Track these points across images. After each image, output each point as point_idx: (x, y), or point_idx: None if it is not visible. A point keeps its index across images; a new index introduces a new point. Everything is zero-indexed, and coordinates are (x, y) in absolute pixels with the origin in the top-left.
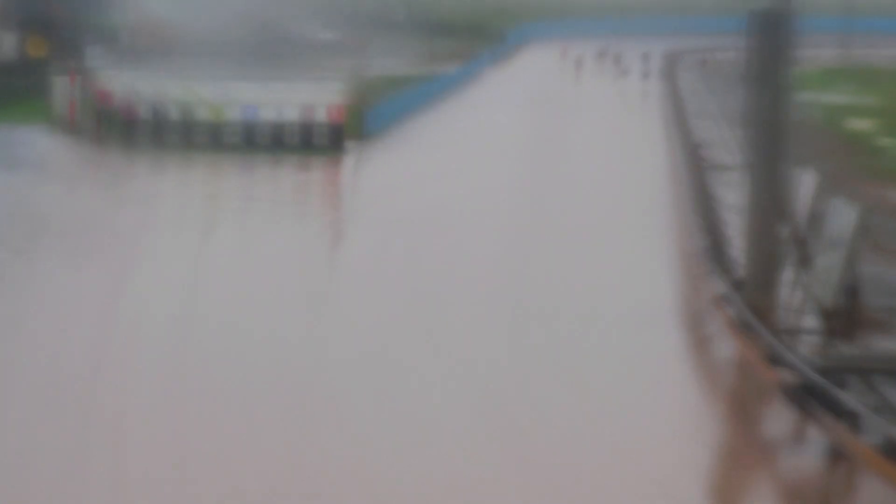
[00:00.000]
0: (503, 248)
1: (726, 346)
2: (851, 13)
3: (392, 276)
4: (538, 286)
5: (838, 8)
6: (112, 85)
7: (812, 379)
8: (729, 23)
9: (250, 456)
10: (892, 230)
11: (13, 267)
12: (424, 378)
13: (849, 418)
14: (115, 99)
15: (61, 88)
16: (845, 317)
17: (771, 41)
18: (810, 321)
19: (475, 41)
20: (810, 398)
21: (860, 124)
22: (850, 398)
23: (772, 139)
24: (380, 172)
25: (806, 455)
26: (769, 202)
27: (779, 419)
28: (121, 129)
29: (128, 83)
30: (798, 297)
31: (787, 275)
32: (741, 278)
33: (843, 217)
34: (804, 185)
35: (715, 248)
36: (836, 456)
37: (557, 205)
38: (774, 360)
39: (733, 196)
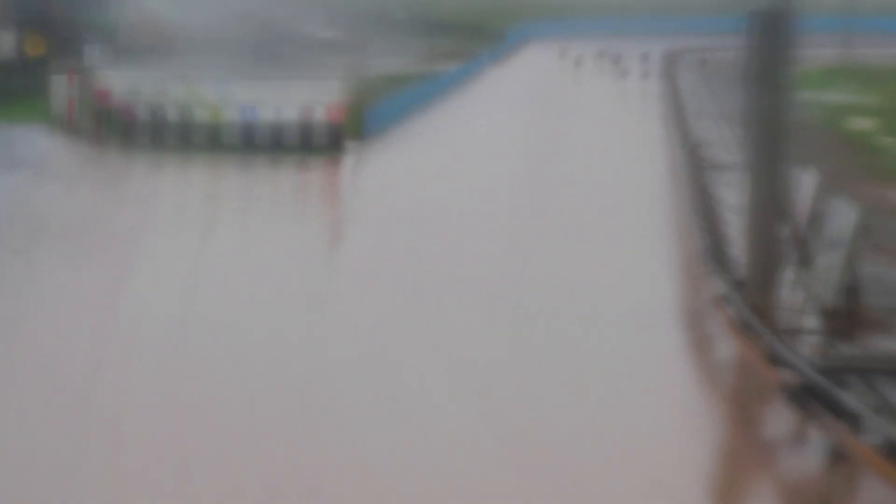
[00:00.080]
0: (503, 248)
1: (726, 346)
2: (852, 12)
3: (391, 277)
4: (538, 286)
5: (838, 7)
6: (110, 84)
7: (812, 379)
8: (728, 22)
9: (250, 456)
10: (892, 230)
11: (10, 267)
12: (423, 378)
13: (849, 418)
14: (113, 98)
15: (59, 88)
16: (846, 317)
17: (771, 40)
18: (811, 321)
19: (475, 40)
20: (811, 398)
21: (861, 124)
22: (850, 398)
23: (772, 139)
24: (379, 172)
25: (806, 455)
26: (769, 202)
27: (779, 419)
28: (119, 129)
29: (126, 82)
30: (798, 297)
31: (788, 275)
32: (741, 278)
33: (843, 217)
34: (805, 184)
35: (715, 247)
36: (837, 456)
37: (557, 204)
38: (775, 360)
39: (733, 196)
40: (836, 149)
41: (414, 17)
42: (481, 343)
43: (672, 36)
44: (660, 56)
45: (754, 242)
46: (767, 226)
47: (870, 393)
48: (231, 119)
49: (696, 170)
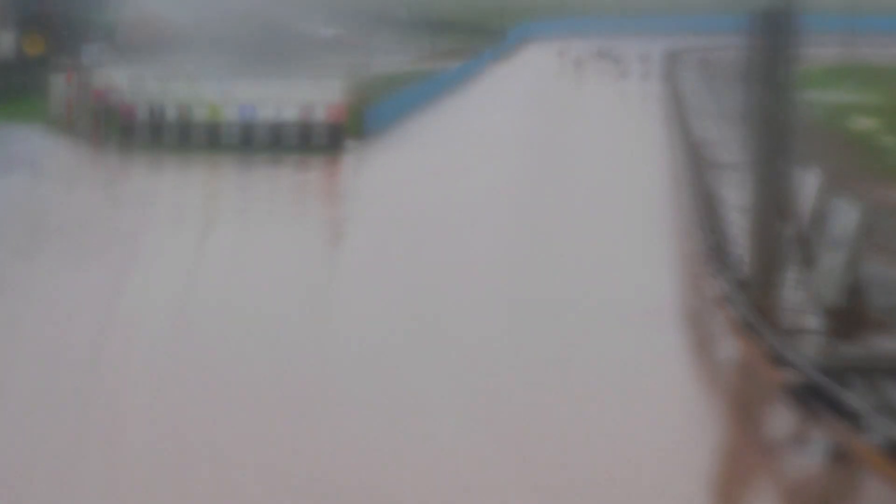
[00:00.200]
0: (504, 248)
1: (729, 346)
2: (854, 12)
3: (390, 277)
4: (539, 285)
5: (841, 7)
6: (109, 83)
7: (815, 379)
8: (730, 22)
9: (252, 457)
10: (895, 230)
11: (8, 266)
12: (424, 378)
13: (852, 418)
14: (112, 97)
15: (58, 87)
16: (848, 316)
17: (773, 40)
18: (813, 321)
19: (476, 39)
20: (813, 398)
21: (863, 123)
22: (853, 398)
23: (774, 138)
24: (379, 172)
25: (808, 455)
26: (772, 202)
27: (781, 419)
28: (118, 128)
29: (125, 81)
30: (801, 297)
31: (790, 274)
32: (744, 278)
33: (846, 217)
34: (807, 184)
35: (717, 247)
36: (839, 456)
37: (558, 204)
38: (777, 359)
39: (736, 195)
40: (838, 148)
41: (415, 16)
42: (482, 341)
43: (673, 35)
44: (660, 56)
45: (757, 242)
46: (770, 225)
47: (872, 393)
48: (231, 118)
49: (698, 169)
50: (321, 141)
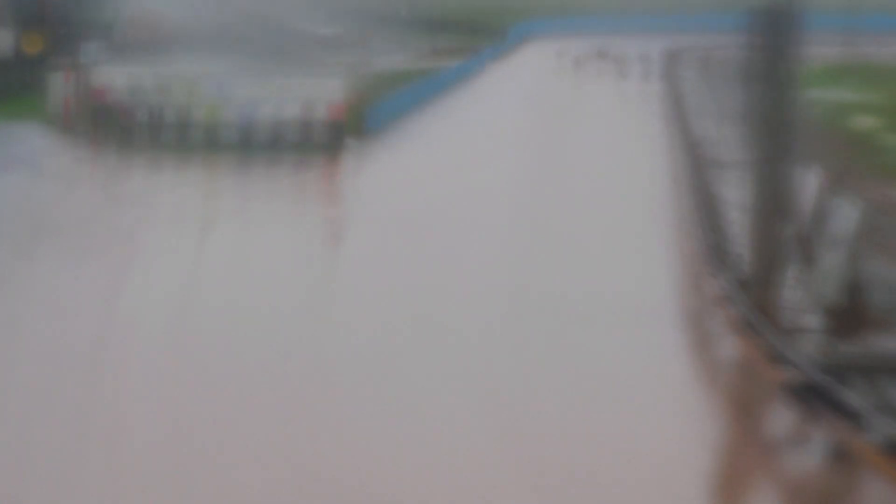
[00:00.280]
0: (504, 247)
1: (729, 345)
2: (855, 10)
3: (390, 276)
4: (539, 285)
5: (842, 5)
6: (108, 81)
7: (815, 378)
8: (730, 20)
9: (252, 456)
10: (895, 229)
11: (6, 265)
12: (424, 378)
13: (852, 417)
14: (110, 96)
15: (57, 85)
16: (849, 315)
17: (774, 38)
18: (813, 320)
19: (476, 37)
20: (813, 397)
21: (864, 122)
22: (853, 397)
23: (775, 137)
24: (380, 171)
25: (808, 454)
26: (772, 200)
27: (782, 418)
28: (116, 127)
29: (124, 80)
30: (801, 296)
31: (791, 273)
32: (744, 277)
33: (846, 215)
34: (808, 183)
35: (717, 246)
36: (839, 455)
37: (559, 203)
38: (777, 358)
39: (736, 194)
40: (839, 147)
41: (415, 15)
42: (482, 340)
43: (673, 34)
44: (660, 55)
45: (757, 241)
46: (770, 224)
47: (872, 392)
48: (230, 117)
49: (698, 168)
50: (321, 139)
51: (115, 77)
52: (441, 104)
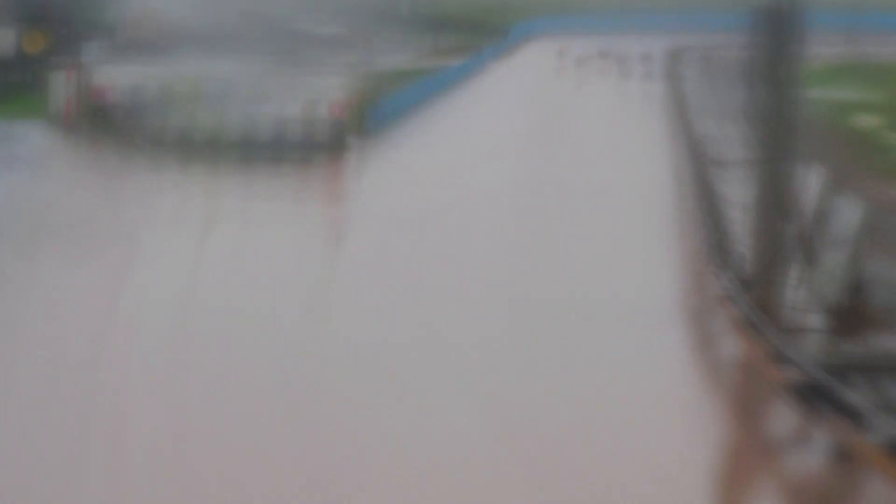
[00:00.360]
0: (506, 245)
1: (731, 344)
2: (857, 9)
3: (392, 277)
4: (541, 284)
5: (843, 4)
6: (109, 81)
7: (817, 377)
8: (733, 19)
9: (253, 457)
10: None
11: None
12: (425, 378)
13: (854, 417)
14: (112, 95)
15: (58, 85)
16: (850, 315)
17: (776, 37)
18: (815, 319)
19: (478, 36)
20: (815, 396)
21: (866, 121)
22: (855, 397)
23: (777, 136)
24: (382, 171)
25: (810, 454)
26: (774, 200)
27: (784, 417)
28: (118, 126)
29: (126, 79)
30: (803, 296)
31: (793, 273)
32: (746, 276)
33: (848, 215)
34: (810, 182)
35: (720, 245)
36: (841, 455)
37: (561, 203)
38: (779, 358)
39: (738, 193)
40: (841, 146)
41: (417, 13)
42: (483, 339)
43: (675, 33)
44: (663, 54)
45: (759, 240)
46: (772, 223)
47: (874, 391)
48: (232, 116)
49: (700, 168)
50: (323, 139)
51: (117, 76)
52: (443, 103)
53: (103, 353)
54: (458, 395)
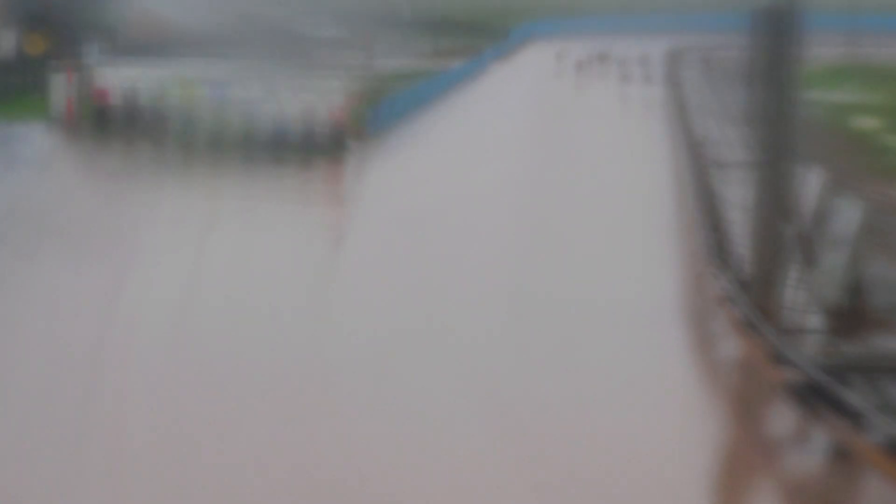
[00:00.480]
0: (506, 247)
1: (730, 345)
2: (857, 11)
3: (392, 278)
4: (542, 285)
5: (844, 6)
6: (110, 82)
7: (816, 378)
8: (733, 20)
9: (253, 458)
10: None
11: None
12: (426, 379)
13: (853, 417)
14: (112, 97)
15: (59, 86)
16: (850, 316)
17: (776, 39)
18: (815, 320)
19: (478, 38)
20: (814, 397)
21: (866, 123)
22: (854, 397)
23: (777, 138)
24: (382, 173)
25: (809, 454)
26: (774, 201)
27: (783, 418)
28: (118, 127)
29: (126, 81)
30: (803, 296)
31: (792, 273)
32: (746, 277)
33: (848, 216)
34: (809, 183)
35: (719, 246)
36: (840, 455)
37: (561, 205)
38: (779, 358)
39: (738, 194)
40: (841, 148)
41: (417, 15)
42: (484, 339)
43: (675, 34)
44: (663, 55)
45: (758, 241)
46: (772, 224)
47: (873, 392)
48: (232, 119)
49: (700, 169)
50: (323, 141)
51: (118, 78)
52: (443, 105)
53: (104, 353)
54: (459, 396)
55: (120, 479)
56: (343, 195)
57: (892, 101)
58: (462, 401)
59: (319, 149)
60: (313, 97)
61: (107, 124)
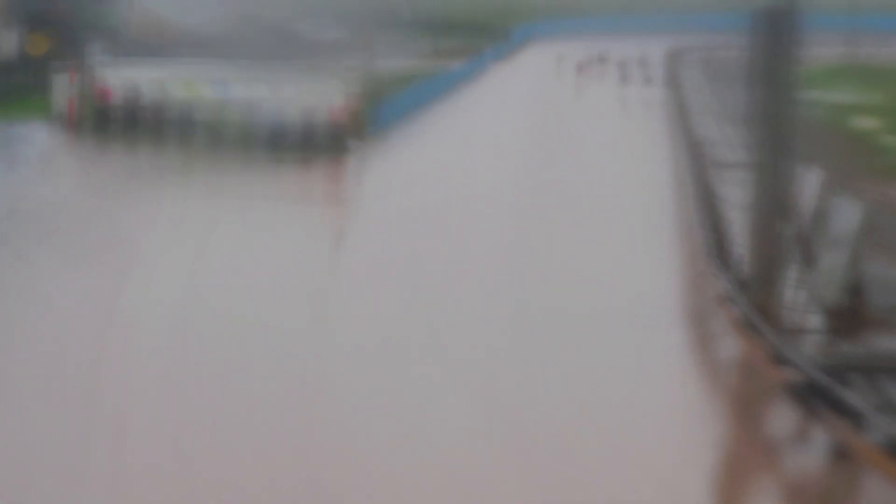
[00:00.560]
0: (506, 247)
1: (730, 345)
2: (856, 11)
3: (392, 281)
4: (541, 285)
5: (843, 6)
6: (112, 82)
7: (816, 378)
8: (733, 20)
9: (253, 459)
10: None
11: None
12: (427, 381)
13: (853, 417)
14: (115, 97)
15: (61, 86)
16: (849, 316)
17: (775, 39)
18: (814, 320)
19: (479, 39)
20: (814, 397)
21: (865, 123)
22: (853, 397)
23: (776, 138)
24: (382, 173)
25: (809, 454)
26: (773, 200)
27: (782, 418)
28: (120, 128)
29: (128, 81)
30: (802, 296)
31: (792, 273)
32: (745, 277)
33: (847, 216)
34: (808, 183)
35: (719, 246)
36: (840, 455)
37: (561, 206)
38: (779, 358)
39: (738, 194)
40: (840, 148)
41: (417, 16)
42: (484, 339)
43: (676, 34)
44: (663, 56)
45: (758, 241)
46: (771, 224)
47: (873, 392)
48: (233, 118)
49: (699, 169)
50: (324, 141)
51: (119, 78)
52: (443, 106)
53: (104, 353)
54: (459, 396)
55: (119, 482)
56: (343, 195)
57: (891, 101)
58: (461, 401)
59: (320, 149)
60: (314, 97)
61: (108, 124)
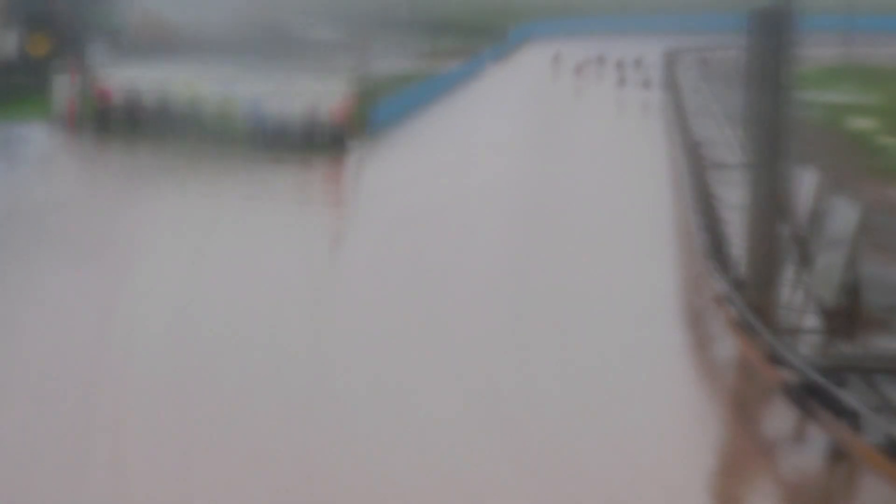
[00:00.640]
0: (505, 246)
1: (727, 345)
2: (853, 12)
3: (391, 278)
4: (540, 285)
5: (840, 6)
6: (113, 83)
7: (813, 378)
8: (730, 20)
9: (253, 460)
10: (893, 229)
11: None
12: (427, 381)
13: (849, 417)
14: (115, 98)
15: (62, 87)
16: (846, 316)
17: (772, 40)
18: (811, 320)
19: (477, 39)
20: (811, 397)
21: (861, 123)
22: (850, 397)
23: (773, 138)
24: (381, 173)
25: (806, 454)
26: (770, 201)
27: (779, 418)
28: (121, 128)
29: (129, 81)
30: (799, 297)
31: (788, 274)
32: (742, 277)
33: (843, 216)
34: (805, 183)
35: (716, 246)
36: (837, 455)
37: (560, 206)
38: (775, 359)
39: (734, 194)
40: (836, 148)
41: (416, 16)
42: (484, 339)
43: (673, 34)
44: (660, 56)
45: (755, 241)
46: (768, 225)
47: (870, 392)
48: (234, 118)
49: (697, 170)
50: (324, 141)
51: (120, 79)
52: (442, 106)
53: (104, 353)
54: (459, 396)
55: (119, 483)
56: (343, 195)
57: (888, 101)
58: (461, 401)
59: (319, 149)
60: (313, 98)
61: (109, 125)
